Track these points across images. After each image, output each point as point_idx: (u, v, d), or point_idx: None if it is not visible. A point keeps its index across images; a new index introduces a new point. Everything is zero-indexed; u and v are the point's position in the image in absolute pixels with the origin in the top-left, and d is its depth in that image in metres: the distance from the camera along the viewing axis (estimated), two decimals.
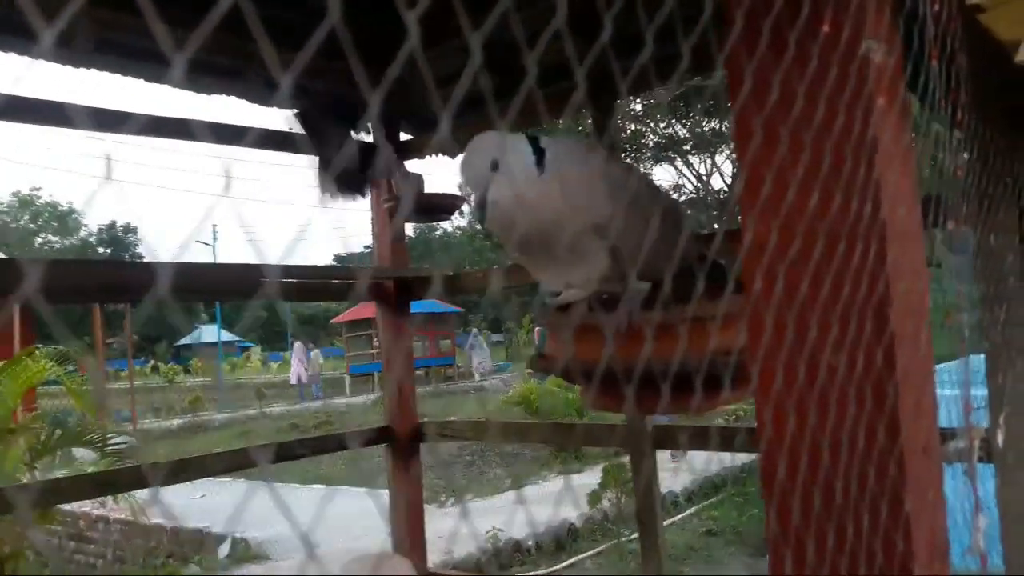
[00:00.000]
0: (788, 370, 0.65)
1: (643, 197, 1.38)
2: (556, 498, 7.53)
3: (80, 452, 6.96)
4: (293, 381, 21.46)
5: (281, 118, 3.07)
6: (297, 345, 22.26)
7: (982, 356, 1.31)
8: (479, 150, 1.22)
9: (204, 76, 2.86)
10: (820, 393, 0.64)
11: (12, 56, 2.56)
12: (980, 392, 1.45)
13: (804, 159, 0.68)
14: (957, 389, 1.15)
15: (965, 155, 0.94)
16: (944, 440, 0.99)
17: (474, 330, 26.33)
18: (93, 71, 2.68)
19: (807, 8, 0.60)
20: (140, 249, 47.60)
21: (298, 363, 21.46)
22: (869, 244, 0.64)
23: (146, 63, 2.68)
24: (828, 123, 0.64)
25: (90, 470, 6.33)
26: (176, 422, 16.88)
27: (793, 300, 0.65)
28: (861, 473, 0.64)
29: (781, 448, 0.64)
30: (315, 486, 9.22)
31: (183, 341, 39.08)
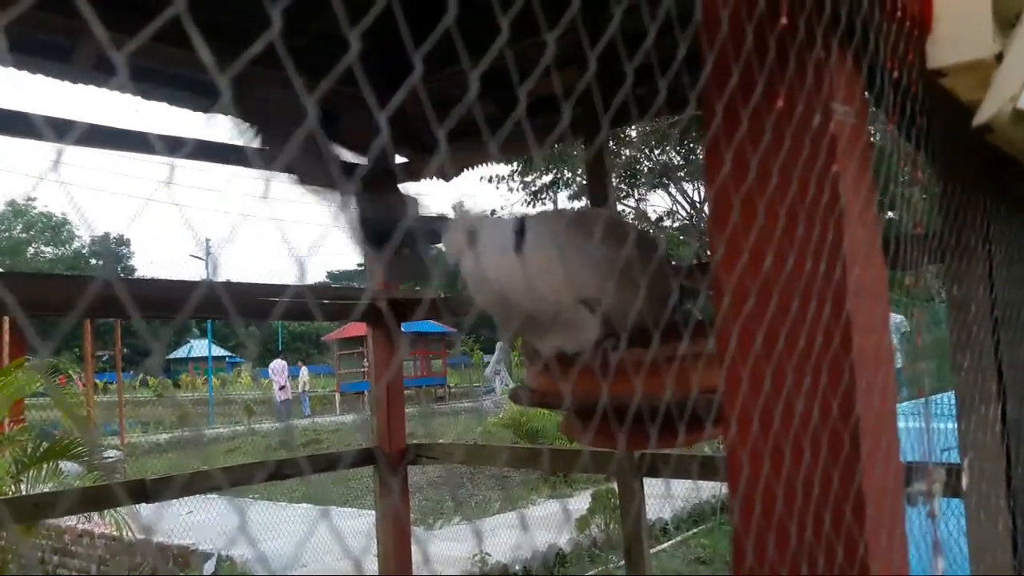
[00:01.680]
0: (743, 417, 0.68)
1: (635, 266, 1.42)
2: (527, 523, 7.49)
3: (67, 465, 6.92)
4: (279, 399, 20.15)
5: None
6: (275, 363, 20.68)
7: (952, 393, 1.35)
8: (458, 226, 1.30)
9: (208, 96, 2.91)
10: (775, 440, 0.68)
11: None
12: (952, 426, 1.48)
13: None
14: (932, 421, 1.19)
15: (926, 210, 0.98)
16: (909, 477, 1.02)
17: (499, 344, 24.62)
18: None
19: (760, 86, 0.64)
20: (133, 262, 47.54)
21: (277, 382, 20.10)
22: (825, 299, 0.68)
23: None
24: (786, 186, 0.68)
25: (76, 484, 6.30)
26: (164, 436, 16.77)
27: (748, 351, 0.69)
28: (817, 518, 0.67)
29: (736, 493, 0.67)
30: (302, 505, 9.15)
31: (173, 355, 38.92)
